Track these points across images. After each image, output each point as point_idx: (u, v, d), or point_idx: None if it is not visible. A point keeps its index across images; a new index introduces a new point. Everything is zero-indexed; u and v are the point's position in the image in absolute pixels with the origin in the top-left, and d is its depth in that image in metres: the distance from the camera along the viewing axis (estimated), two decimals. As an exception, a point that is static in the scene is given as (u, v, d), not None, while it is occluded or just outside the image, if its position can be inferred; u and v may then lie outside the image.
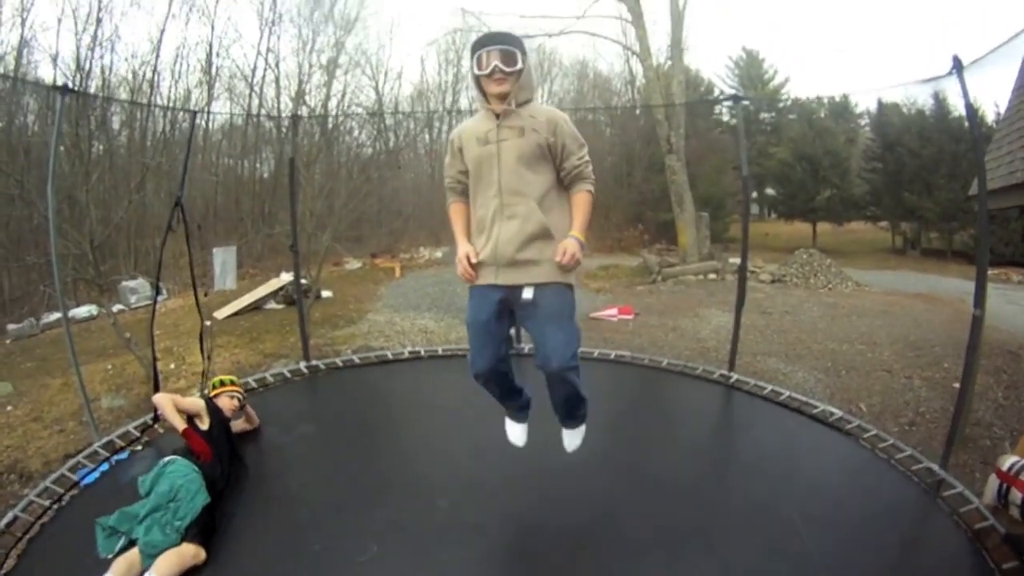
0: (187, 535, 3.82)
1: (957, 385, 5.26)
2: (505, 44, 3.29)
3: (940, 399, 7.67)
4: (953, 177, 25.09)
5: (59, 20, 22.52)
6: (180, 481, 4.08)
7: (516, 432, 4.05)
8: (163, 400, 4.71)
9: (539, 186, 3.34)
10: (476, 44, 3.33)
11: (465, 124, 3.59)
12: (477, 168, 3.42)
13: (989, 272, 5.00)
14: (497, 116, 3.38)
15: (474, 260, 3.39)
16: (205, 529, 3.94)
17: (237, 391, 5.49)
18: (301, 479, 4.94)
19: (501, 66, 3.27)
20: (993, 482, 4.58)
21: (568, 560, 3.84)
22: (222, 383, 5.46)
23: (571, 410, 3.79)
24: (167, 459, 4.32)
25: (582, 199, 3.42)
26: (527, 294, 3.31)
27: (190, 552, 3.73)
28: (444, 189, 3.76)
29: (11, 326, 15.57)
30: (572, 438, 3.97)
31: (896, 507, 4.61)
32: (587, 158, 3.45)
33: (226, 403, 5.28)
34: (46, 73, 22.31)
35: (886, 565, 3.94)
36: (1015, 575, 3.82)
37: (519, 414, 4.00)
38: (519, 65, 3.32)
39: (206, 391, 5.55)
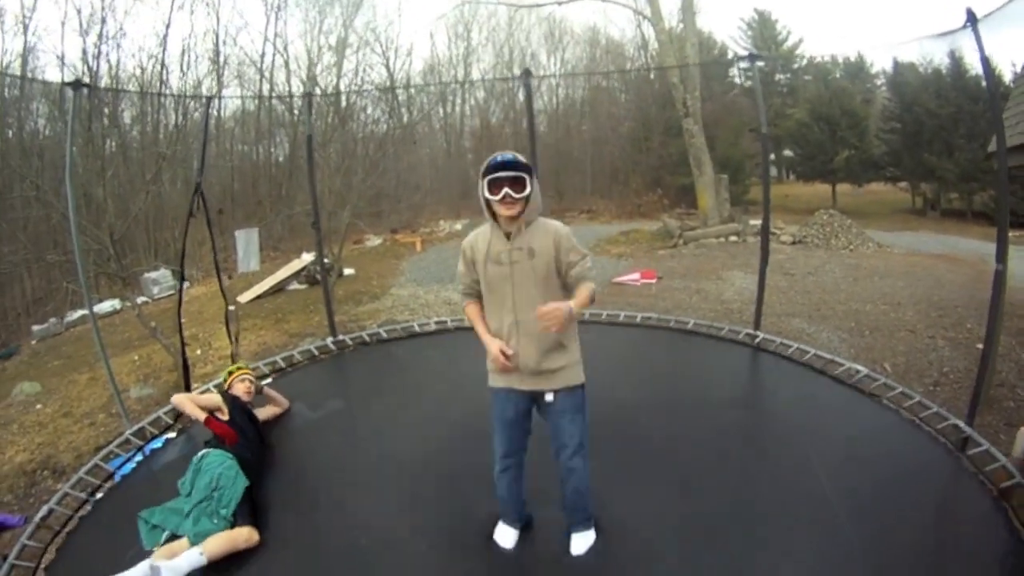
0: (236, 520, 3.93)
1: (980, 346, 5.25)
2: (515, 171, 3.45)
3: (964, 359, 7.64)
4: (972, 137, 24.77)
5: (63, 23, 22.61)
6: (218, 470, 4.18)
7: (509, 536, 4.02)
8: (181, 399, 4.89)
9: (548, 300, 3.46)
10: (487, 169, 3.48)
11: (476, 238, 3.78)
12: (490, 285, 3.69)
13: (1010, 234, 4.98)
14: (507, 235, 3.60)
15: (509, 353, 3.60)
16: (252, 511, 4.06)
17: (248, 374, 5.64)
18: (334, 455, 5.03)
19: (512, 193, 3.45)
20: (1022, 437, 4.59)
21: (604, 520, 3.96)
22: (231, 372, 5.62)
23: (581, 508, 3.88)
24: (200, 454, 4.42)
25: (585, 288, 3.51)
26: (549, 397, 3.66)
27: (243, 535, 3.84)
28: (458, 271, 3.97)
29: (35, 327, 15.82)
30: (581, 542, 3.93)
31: (922, 465, 4.63)
32: (589, 264, 3.62)
33: (240, 388, 5.43)
34: (53, 76, 22.47)
35: (912, 523, 3.97)
36: (1042, 532, 3.84)
37: (515, 523, 4.04)
38: (528, 190, 3.49)
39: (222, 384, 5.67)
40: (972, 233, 21.45)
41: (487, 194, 3.50)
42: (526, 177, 3.47)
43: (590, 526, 3.94)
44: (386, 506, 4.25)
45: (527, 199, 3.51)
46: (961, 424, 5.01)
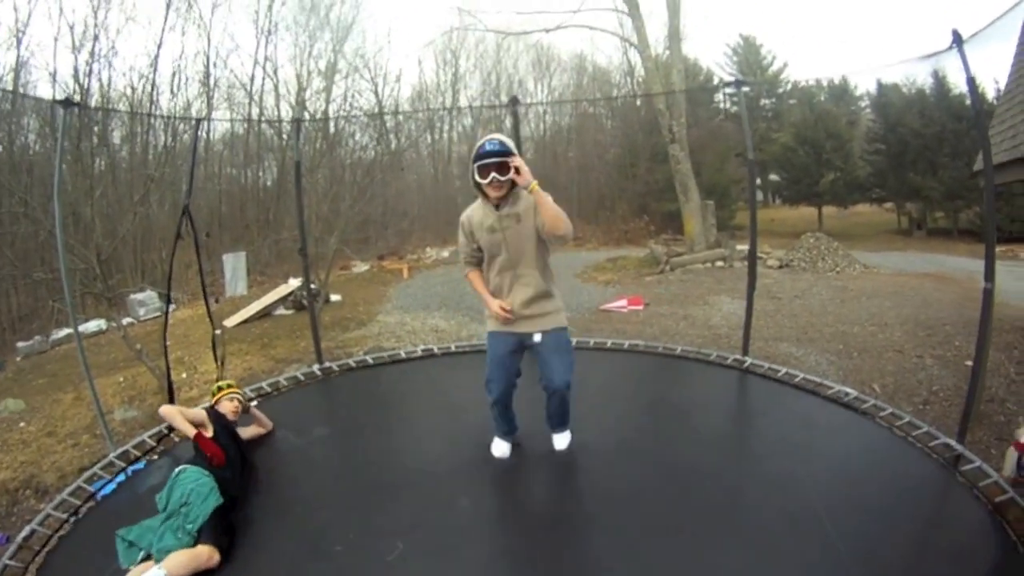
0: (200, 537, 3.82)
1: (969, 363, 5.27)
2: (500, 157, 4.00)
3: (953, 377, 7.65)
4: (956, 156, 25.09)
5: (55, 39, 22.61)
6: (191, 486, 4.10)
7: (502, 448, 4.92)
8: (170, 411, 4.72)
9: (536, 257, 4.32)
10: (476, 157, 4.08)
11: (472, 212, 4.39)
12: (488, 249, 4.34)
13: (997, 249, 4.99)
14: (497, 207, 4.22)
15: (508, 308, 4.34)
16: (219, 531, 3.93)
17: (236, 393, 5.50)
18: (319, 480, 4.96)
19: (498, 176, 4.04)
20: (1012, 454, 4.59)
21: (592, 548, 3.88)
22: (220, 388, 5.48)
23: (562, 418, 4.80)
24: (178, 469, 4.33)
25: (558, 211, 4.07)
26: (536, 338, 4.39)
27: (204, 553, 3.73)
28: (461, 261, 4.65)
29: (20, 344, 15.66)
30: (562, 440, 4.92)
31: (915, 484, 4.62)
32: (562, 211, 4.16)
33: (227, 407, 5.31)
34: (45, 92, 22.40)
35: (908, 541, 3.95)
36: (1038, 547, 3.82)
37: (507, 436, 4.92)
38: (512, 171, 4.00)
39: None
40: (958, 251, 21.66)
41: (477, 177, 4.11)
42: (509, 161, 3.99)
43: (567, 429, 4.88)
44: (371, 532, 4.18)
45: (511, 180, 4.06)
46: (952, 442, 5.00)
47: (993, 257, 4.88)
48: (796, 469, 4.67)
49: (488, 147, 4.04)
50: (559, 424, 4.84)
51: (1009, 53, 8.76)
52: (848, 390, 6.15)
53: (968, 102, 5.91)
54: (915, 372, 7.99)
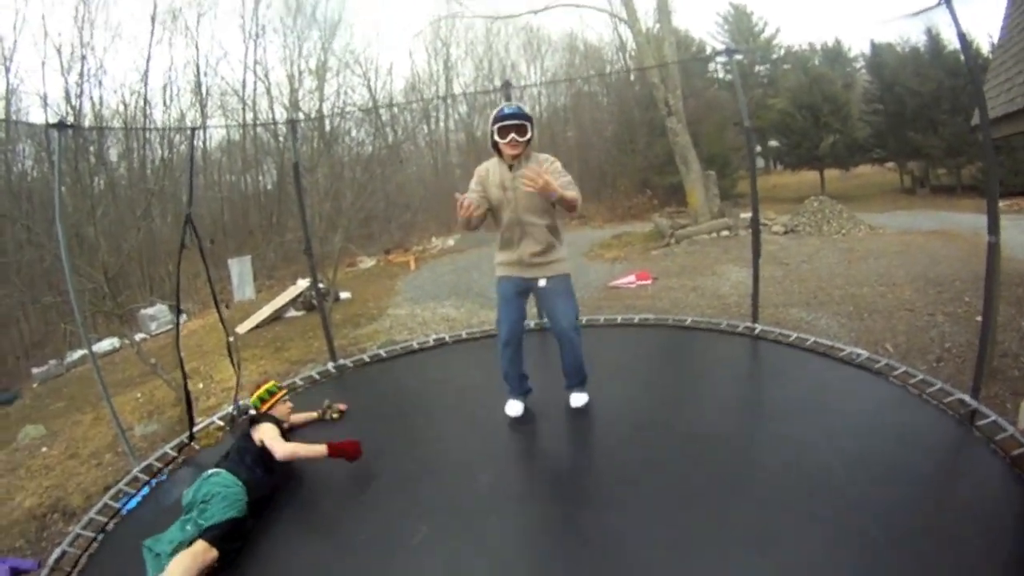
0: (204, 534, 3.80)
1: (980, 319, 5.26)
2: (521, 119, 4.45)
3: (965, 333, 7.65)
4: (955, 112, 24.87)
5: (43, 63, 22.66)
6: (219, 489, 4.10)
7: (516, 407, 5.22)
8: (288, 449, 4.65)
9: (544, 214, 4.70)
10: (497, 119, 4.49)
11: (488, 167, 4.75)
12: (499, 205, 4.70)
13: (1001, 204, 5.00)
14: (510, 167, 4.60)
15: (470, 204, 4.36)
16: (226, 536, 3.88)
17: (285, 394, 5.51)
18: (340, 474, 4.99)
19: (517, 137, 4.47)
20: (1024, 409, 4.60)
21: (612, 519, 3.92)
22: (270, 393, 5.38)
23: (578, 374, 5.13)
24: (211, 471, 4.31)
25: (571, 192, 4.47)
26: (542, 283, 4.82)
27: (200, 549, 3.70)
28: (454, 179, 4.85)
29: (35, 370, 15.81)
30: (579, 399, 5.21)
31: (932, 441, 4.64)
32: (570, 180, 4.62)
33: (283, 409, 5.34)
34: (37, 117, 22.46)
35: (926, 498, 3.96)
36: (1056, 498, 3.84)
37: (520, 396, 5.24)
38: (529, 135, 4.52)
39: (239, 406, 5.59)
40: (963, 207, 21.50)
41: (496, 137, 4.54)
42: (528, 125, 4.50)
43: (584, 388, 5.22)
44: (394, 516, 4.22)
45: (528, 141, 4.53)
46: (967, 398, 5.01)
47: (996, 211, 4.88)
48: (811, 432, 4.70)
49: (508, 111, 4.48)
50: (577, 383, 5.18)
51: (1002, 5, 8.72)
52: (860, 351, 6.17)
53: (965, 63, 5.87)
54: (927, 330, 7.98)
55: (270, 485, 4.49)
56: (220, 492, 4.08)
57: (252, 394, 5.46)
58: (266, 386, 5.44)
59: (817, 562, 3.46)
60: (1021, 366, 6.56)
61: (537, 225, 4.69)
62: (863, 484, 4.01)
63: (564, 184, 4.50)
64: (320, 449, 4.64)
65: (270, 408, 5.27)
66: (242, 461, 4.46)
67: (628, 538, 3.75)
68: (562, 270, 4.85)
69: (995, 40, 10.29)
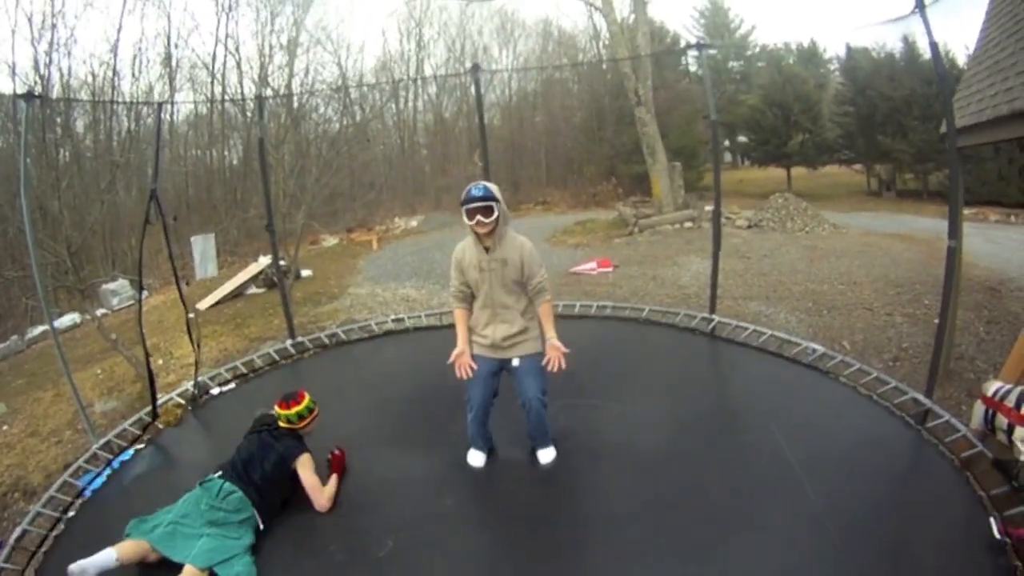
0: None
1: (937, 323, 5.37)
2: (483, 202, 4.42)
3: (922, 335, 7.77)
4: (926, 119, 25.11)
5: (13, 32, 22.13)
6: (235, 518, 4.15)
7: (478, 458, 5.12)
8: (328, 501, 4.52)
9: (517, 299, 4.74)
10: (463, 201, 4.48)
11: (464, 249, 4.76)
12: (475, 285, 4.73)
13: (966, 211, 5.11)
14: (487, 249, 4.61)
15: (465, 357, 4.66)
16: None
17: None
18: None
19: (482, 219, 4.45)
20: (979, 408, 4.69)
21: (571, 517, 4.14)
22: (309, 410, 4.87)
23: (542, 436, 5.06)
24: (230, 488, 4.24)
25: (546, 309, 4.74)
26: (515, 362, 4.79)
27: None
28: (450, 297, 4.93)
29: (-4, 345, 15.50)
30: (545, 455, 5.09)
31: (884, 440, 4.72)
32: (545, 275, 4.75)
33: (314, 426, 4.94)
34: (5, 86, 21.94)
35: (876, 500, 4.05)
36: (1003, 500, 3.93)
37: (482, 450, 5.15)
38: (495, 214, 4.47)
39: (198, 383, 5.51)
40: (928, 212, 21.77)
41: (465, 219, 4.51)
42: (493, 204, 4.44)
43: (550, 444, 5.10)
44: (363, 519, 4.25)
45: (496, 220, 4.48)
46: (920, 397, 5.11)
47: (958, 216, 4.98)
48: (764, 434, 4.78)
49: (473, 192, 4.46)
50: (541, 443, 5.14)
51: (980, 18, 8.85)
52: (816, 347, 6.29)
53: (937, 73, 5.97)
54: (885, 330, 8.11)
55: (271, 515, 4.39)
56: (247, 519, 4.17)
57: (289, 405, 4.83)
58: (305, 402, 4.88)
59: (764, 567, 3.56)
60: (977, 369, 6.70)
61: (510, 308, 4.74)
62: (814, 482, 4.10)
63: (538, 281, 4.68)
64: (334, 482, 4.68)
65: (307, 427, 4.87)
66: (264, 484, 4.38)
67: (578, 549, 3.90)
68: (534, 349, 4.84)
69: (970, 51, 10.44)
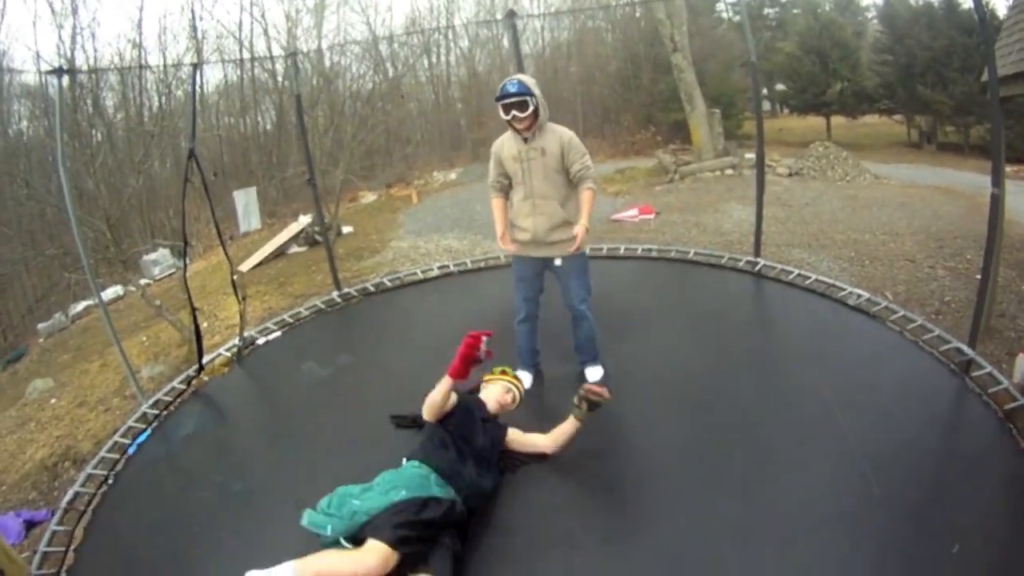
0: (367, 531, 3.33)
1: (980, 273, 5.32)
2: (518, 97, 4.44)
3: (964, 289, 7.66)
4: (966, 70, 24.45)
5: (34, 23, 22.29)
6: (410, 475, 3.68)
7: (526, 379, 5.16)
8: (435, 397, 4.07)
9: (558, 189, 4.74)
10: (498, 98, 4.53)
11: (503, 141, 4.83)
12: (514, 177, 4.81)
13: (1008, 169, 5.07)
14: (525, 140, 4.64)
15: (508, 240, 4.89)
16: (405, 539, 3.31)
17: (515, 384, 4.65)
18: (347, 409, 5.13)
19: (517, 114, 4.49)
20: (1021, 361, 4.66)
21: (615, 452, 4.31)
22: (503, 371, 4.67)
23: (591, 350, 5.22)
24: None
25: (587, 196, 4.70)
26: (557, 262, 4.85)
27: (378, 552, 3.20)
28: (487, 186, 5.09)
29: (41, 325, 15.96)
30: (594, 373, 5.23)
31: (928, 388, 4.73)
32: (589, 163, 4.72)
33: (494, 393, 4.46)
34: (30, 78, 22.19)
35: (919, 446, 4.07)
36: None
37: (530, 368, 5.34)
38: (531, 108, 4.48)
39: (244, 338, 5.60)
40: (969, 167, 21.24)
41: (501, 115, 4.57)
42: (527, 98, 4.44)
43: (598, 362, 5.27)
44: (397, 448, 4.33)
45: (533, 114, 4.52)
46: (964, 347, 5.09)
47: (1001, 164, 4.93)
48: (810, 372, 4.81)
49: (507, 88, 4.47)
50: (590, 358, 5.26)
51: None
52: (861, 292, 6.30)
53: (976, 17, 5.89)
54: (927, 282, 8.01)
55: (458, 470, 3.83)
56: (409, 475, 3.68)
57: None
58: (500, 368, 4.71)
59: (808, 512, 3.59)
60: (1018, 327, 6.61)
61: (550, 199, 4.73)
62: (858, 425, 4.15)
63: (580, 167, 4.67)
64: (446, 383, 4.05)
65: (479, 388, 4.58)
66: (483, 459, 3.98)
67: (624, 483, 3.96)
68: (575, 248, 4.79)
69: (1011, 1, 10.18)
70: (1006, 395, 4.49)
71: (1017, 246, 8.94)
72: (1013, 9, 8.91)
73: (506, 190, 4.96)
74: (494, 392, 4.47)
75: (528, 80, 4.51)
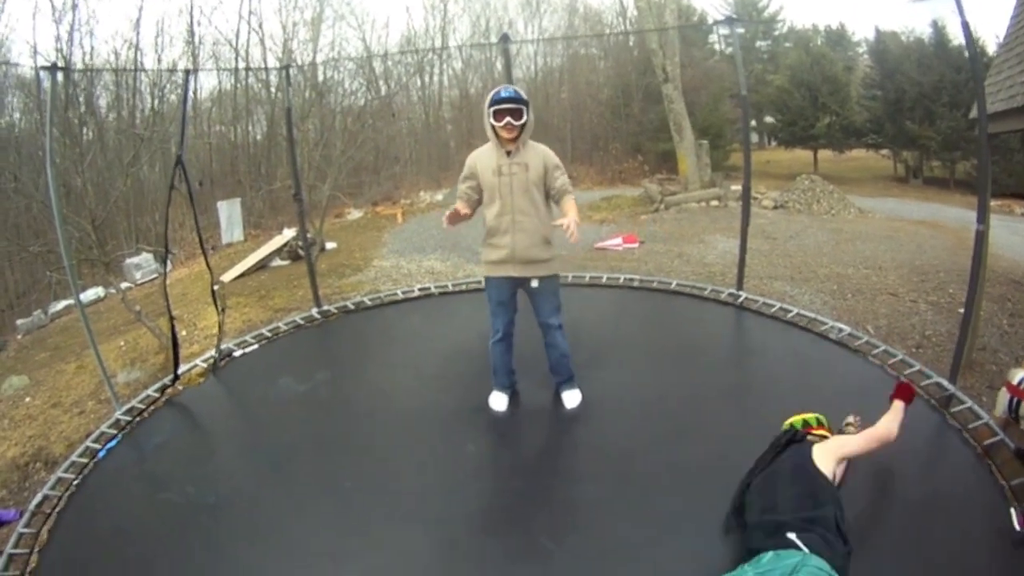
0: None
1: (963, 308, 5.34)
2: (515, 104, 4.38)
3: (946, 323, 7.68)
4: (954, 106, 24.83)
5: (34, 15, 22.26)
6: None
7: (500, 401, 5.19)
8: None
9: (537, 207, 4.64)
10: (492, 101, 4.41)
11: (479, 153, 4.70)
12: (492, 191, 4.61)
13: (992, 203, 5.08)
14: (508, 153, 4.53)
15: (461, 214, 4.57)
16: None
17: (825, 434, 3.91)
18: (322, 424, 5.07)
19: (512, 121, 4.39)
20: (1004, 395, 4.65)
21: (589, 475, 4.29)
22: (819, 422, 4.00)
23: (565, 368, 5.12)
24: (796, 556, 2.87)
25: (571, 201, 4.62)
26: (534, 283, 4.75)
27: None
28: (456, 196, 4.84)
29: (20, 321, 15.71)
30: (571, 398, 5.16)
31: (907, 423, 4.70)
32: (567, 179, 4.70)
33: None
34: (26, 71, 22.16)
35: (897, 481, 4.03)
36: (1024, 491, 3.91)
37: (505, 389, 5.21)
38: (525, 118, 4.44)
39: (221, 350, 5.55)
40: (954, 201, 21.53)
41: (492, 121, 4.43)
42: (524, 108, 4.40)
43: (575, 385, 5.17)
44: (379, 470, 4.30)
45: (524, 125, 4.45)
46: (944, 382, 5.09)
47: (986, 200, 4.95)
48: (789, 406, 4.77)
49: (504, 93, 4.41)
50: (565, 379, 5.17)
51: (1010, 7, 8.76)
52: (842, 326, 6.28)
53: (967, 54, 5.95)
54: (909, 316, 8.03)
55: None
56: None
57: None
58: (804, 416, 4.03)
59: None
60: (999, 361, 6.63)
61: (529, 215, 4.62)
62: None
63: (561, 183, 4.66)
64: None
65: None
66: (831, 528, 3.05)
67: (593, 507, 3.95)
68: (554, 270, 4.87)
69: (1000, 39, 10.34)
70: (986, 430, 4.48)
71: (1000, 280, 9.00)
72: (1003, 48, 9.02)
73: (473, 205, 4.76)
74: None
75: (521, 90, 4.48)
